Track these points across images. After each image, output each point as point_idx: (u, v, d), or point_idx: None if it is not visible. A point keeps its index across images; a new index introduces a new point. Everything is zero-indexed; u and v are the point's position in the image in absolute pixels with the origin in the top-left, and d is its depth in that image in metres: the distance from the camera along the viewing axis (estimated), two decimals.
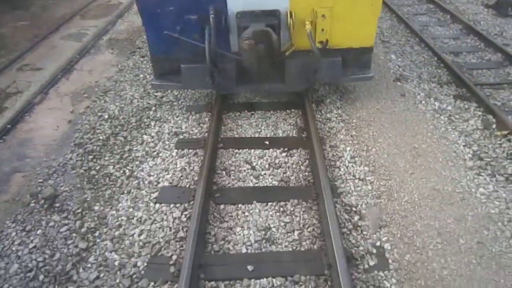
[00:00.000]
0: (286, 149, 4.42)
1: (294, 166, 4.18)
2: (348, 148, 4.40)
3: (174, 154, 4.39)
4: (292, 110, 5.13)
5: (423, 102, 5.26)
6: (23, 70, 6.70)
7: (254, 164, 4.20)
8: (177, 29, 4.24)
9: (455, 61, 6.39)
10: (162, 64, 4.63)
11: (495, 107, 4.93)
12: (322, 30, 4.29)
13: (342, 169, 4.10)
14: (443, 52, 6.64)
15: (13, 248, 3.37)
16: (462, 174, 4.00)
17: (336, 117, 4.98)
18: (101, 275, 3.08)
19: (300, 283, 2.98)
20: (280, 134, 4.70)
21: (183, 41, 4.25)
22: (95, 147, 4.59)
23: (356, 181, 3.95)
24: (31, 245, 3.38)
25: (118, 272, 3.09)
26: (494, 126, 4.71)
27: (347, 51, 4.57)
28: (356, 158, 4.25)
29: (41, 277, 3.11)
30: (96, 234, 3.46)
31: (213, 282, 3.00)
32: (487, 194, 3.75)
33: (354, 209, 3.62)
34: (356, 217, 3.53)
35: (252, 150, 4.41)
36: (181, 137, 4.69)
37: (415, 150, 4.35)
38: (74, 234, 3.46)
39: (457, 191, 3.80)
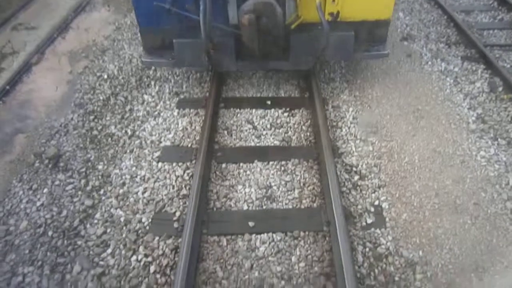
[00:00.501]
0: (288, 109, 4.60)
1: (295, 126, 4.37)
2: (351, 109, 4.57)
3: (175, 113, 4.57)
4: (295, 70, 5.22)
5: (429, 63, 5.36)
6: (18, 30, 6.77)
7: (256, 123, 4.40)
8: None
9: (466, 21, 6.42)
10: (153, 37, 4.33)
11: (503, 70, 5.04)
12: (333, 0, 4.02)
13: (344, 130, 4.28)
14: (453, 10, 6.65)
15: (21, 206, 3.62)
16: (464, 137, 4.18)
17: (340, 77, 5.11)
18: (108, 230, 3.35)
19: (299, 238, 3.24)
20: (282, 94, 4.86)
21: (176, 13, 3.99)
22: (95, 107, 4.77)
23: (358, 141, 4.14)
24: (38, 203, 3.63)
25: (124, 228, 3.35)
26: (500, 89, 4.84)
27: (361, 24, 4.23)
28: (358, 119, 4.42)
29: (50, 232, 3.38)
30: (101, 192, 3.71)
31: (215, 237, 3.27)
32: (488, 158, 3.94)
33: (354, 169, 3.84)
34: (356, 177, 3.75)
35: (254, 110, 4.59)
36: (182, 96, 4.86)
37: (419, 112, 4.52)
38: (79, 192, 3.71)
39: (458, 153, 3.99)
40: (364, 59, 4.95)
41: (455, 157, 3.96)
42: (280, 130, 4.31)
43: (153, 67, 5.31)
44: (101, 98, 4.91)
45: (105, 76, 5.32)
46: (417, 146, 4.09)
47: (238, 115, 4.55)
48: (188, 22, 4.00)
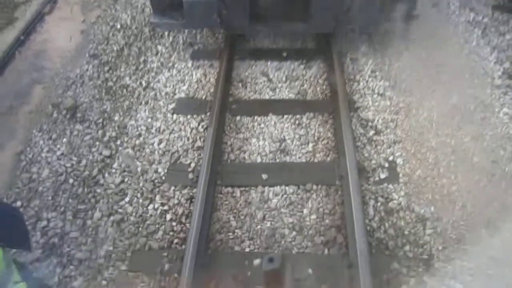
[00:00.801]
0: (304, 61, 4.60)
1: (311, 79, 4.40)
2: (370, 62, 4.55)
3: (189, 65, 4.64)
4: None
5: (456, 12, 5.20)
6: None
7: (271, 76, 4.45)
8: None
9: None
10: None
11: None
12: None
13: (361, 84, 4.30)
14: None
15: (43, 155, 3.83)
16: (487, 93, 4.14)
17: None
18: (125, 180, 3.55)
19: (312, 191, 3.39)
20: (299, 46, 4.85)
21: None
22: (110, 58, 4.86)
23: (375, 96, 4.17)
24: (58, 152, 3.84)
25: (141, 177, 3.55)
26: None
27: None
28: (377, 73, 4.42)
29: (70, 180, 3.60)
30: (118, 142, 3.89)
31: (229, 188, 3.44)
32: (511, 115, 3.91)
33: (370, 123, 3.90)
34: (372, 132, 3.82)
35: (269, 62, 4.61)
36: (196, 48, 4.90)
37: (441, 66, 4.46)
38: (97, 142, 3.89)
39: (479, 110, 3.97)
40: (390, 21, 4.50)
41: (476, 113, 3.95)
42: (296, 83, 4.36)
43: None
44: (115, 48, 4.99)
45: (118, 26, 5.36)
46: (437, 101, 4.08)
47: (253, 67, 4.59)
48: None
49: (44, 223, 3.32)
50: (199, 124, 3.95)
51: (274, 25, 4.28)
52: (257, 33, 4.70)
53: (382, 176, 3.49)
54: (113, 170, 3.64)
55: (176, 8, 4.10)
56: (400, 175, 3.49)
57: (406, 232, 3.13)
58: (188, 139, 3.83)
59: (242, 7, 4.02)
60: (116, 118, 4.13)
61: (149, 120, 4.05)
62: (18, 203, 3.46)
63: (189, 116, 4.04)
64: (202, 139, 3.79)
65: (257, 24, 4.22)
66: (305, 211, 3.26)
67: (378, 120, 3.92)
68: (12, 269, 2.03)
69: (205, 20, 4.09)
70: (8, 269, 1.99)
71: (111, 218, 3.29)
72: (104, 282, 2.95)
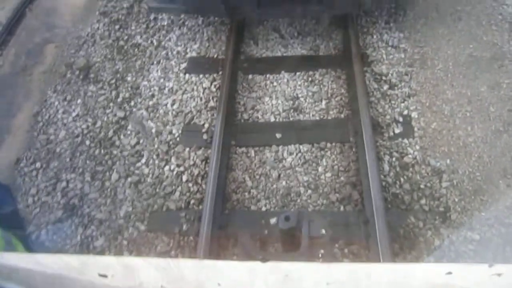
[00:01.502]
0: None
1: (324, 33, 4.03)
2: (383, 13, 4.14)
3: (200, 22, 4.28)
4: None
5: None
6: None
7: (283, 32, 4.08)
8: None
9: None
10: None
11: None
12: None
13: (375, 36, 3.93)
14: None
15: (58, 116, 3.65)
16: (505, 39, 3.78)
17: None
18: (141, 141, 3.37)
19: (326, 149, 3.17)
20: None
21: None
22: (120, 16, 4.52)
23: (389, 48, 3.82)
24: (74, 114, 3.65)
25: (156, 139, 3.36)
26: None
27: None
28: (391, 24, 4.03)
29: (87, 142, 3.43)
30: (132, 103, 3.66)
31: (243, 148, 3.23)
32: None
33: (384, 78, 3.59)
34: (386, 86, 3.52)
35: (281, 18, 4.22)
36: None
37: (457, 13, 4.05)
38: (111, 104, 3.67)
39: (496, 57, 3.64)
40: None
41: (493, 61, 3.62)
42: (308, 39, 4.00)
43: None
44: (124, 6, 4.62)
45: None
46: (453, 51, 3.74)
47: (264, 23, 4.21)
48: None
49: (64, 184, 3.20)
50: (211, 84, 3.67)
51: (286, 9, 3.60)
52: (268, 17, 4.05)
53: (397, 131, 3.24)
54: (128, 132, 3.44)
55: None
56: (415, 129, 3.25)
57: (422, 186, 2.94)
58: (201, 99, 3.57)
59: None
60: (129, 78, 3.87)
61: (162, 80, 3.78)
62: (37, 164, 3.33)
63: (201, 76, 3.75)
64: (215, 99, 3.53)
65: (267, 8, 3.56)
66: (319, 169, 3.06)
67: (392, 74, 3.61)
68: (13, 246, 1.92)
69: (209, 5, 3.49)
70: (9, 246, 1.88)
71: (129, 179, 3.13)
72: (124, 242, 2.85)
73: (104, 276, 0.81)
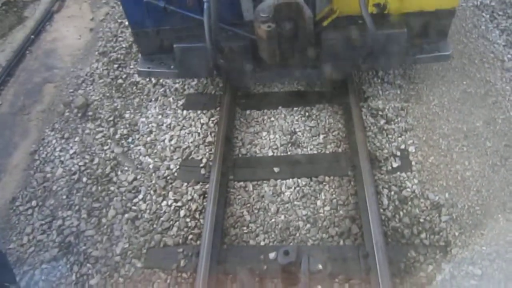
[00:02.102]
0: None
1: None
2: None
3: None
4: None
5: None
6: None
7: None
8: None
9: None
10: (149, 41, 3.44)
11: None
12: None
13: (370, 73, 4.14)
14: None
15: (56, 154, 3.77)
16: (497, 76, 3.99)
17: None
18: (138, 177, 3.46)
19: (324, 182, 3.27)
20: None
21: (173, 12, 3.14)
22: (119, 55, 4.75)
23: (385, 84, 4.01)
24: (71, 151, 3.77)
25: (153, 174, 3.46)
26: None
27: (415, 16, 3.21)
28: None
29: (84, 179, 3.53)
30: (130, 140, 3.79)
31: (241, 183, 3.33)
32: None
33: (380, 113, 3.75)
34: (382, 121, 3.68)
35: None
36: None
37: None
38: (109, 140, 3.80)
39: (490, 94, 3.83)
40: (418, 63, 3.82)
41: (487, 97, 3.81)
42: None
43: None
44: (123, 46, 4.87)
45: (126, 23, 5.21)
46: (447, 87, 3.93)
47: None
48: (191, 21, 3.14)
49: (60, 222, 3.27)
50: (209, 119, 3.83)
51: (282, 74, 3.59)
52: (263, 82, 4.05)
53: (395, 165, 3.36)
54: (126, 168, 3.55)
55: (168, 53, 3.41)
56: (413, 163, 3.37)
57: (421, 220, 3.03)
58: (199, 134, 3.71)
59: (244, 55, 3.30)
60: (127, 115, 4.03)
61: (160, 116, 3.94)
62: (33, 203, 3.41)
63: (199, 112, 3.92)
64: (213, 134, 3.68)
65: (262, 72, 3.46)
66: (318, 203, 3.16)
67: (388, 109, 3.78)
68: None
69: (201, 68, 3.39)
70: None
71: (126, 215, 3.21)
72: (121, 280, 2.88)
73: None
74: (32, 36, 5.26)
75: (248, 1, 3.14)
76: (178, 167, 3.48)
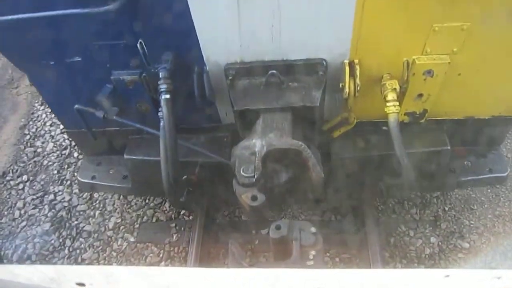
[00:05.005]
0: None
1: None
2: None
3: None
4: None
5: None
6: None
7: None
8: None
9: None
10: (92, 142, 2.32)
11: None
12: (420, 95, 1.93)
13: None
14: None
15: (46, 129, 3.58)
16: None
17: None
18: None
19: None
20: None
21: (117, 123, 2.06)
22: None
23: None
24: (61, 126, 3.56)
25: None
26: None
27: (461, 124, 2.24)
28: None
29: (75, 154, 3.35)
30: None
31: None
32: None
33: None
34: None
35: None
36: None
37: None
38: None
39: None
40: (462, 188, 2.79)
41: None
42: None
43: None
44: None
45: None
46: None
47: None
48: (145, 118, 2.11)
49: (51, 196, 3.12)
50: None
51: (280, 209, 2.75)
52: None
53: None
54: None
55: (121, 153, 2.31)
56: None
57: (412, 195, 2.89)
58: None
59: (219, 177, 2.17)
60: None
61: None
62: (24, 177, 3.25)
63: None
64: None
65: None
66: None
67: None
68: None
69: (160, 188, 1.98)
70: None
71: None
72: (114, 254, 2.77)
73: (82, 285, 0.75)
74: None
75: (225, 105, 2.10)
76: None
